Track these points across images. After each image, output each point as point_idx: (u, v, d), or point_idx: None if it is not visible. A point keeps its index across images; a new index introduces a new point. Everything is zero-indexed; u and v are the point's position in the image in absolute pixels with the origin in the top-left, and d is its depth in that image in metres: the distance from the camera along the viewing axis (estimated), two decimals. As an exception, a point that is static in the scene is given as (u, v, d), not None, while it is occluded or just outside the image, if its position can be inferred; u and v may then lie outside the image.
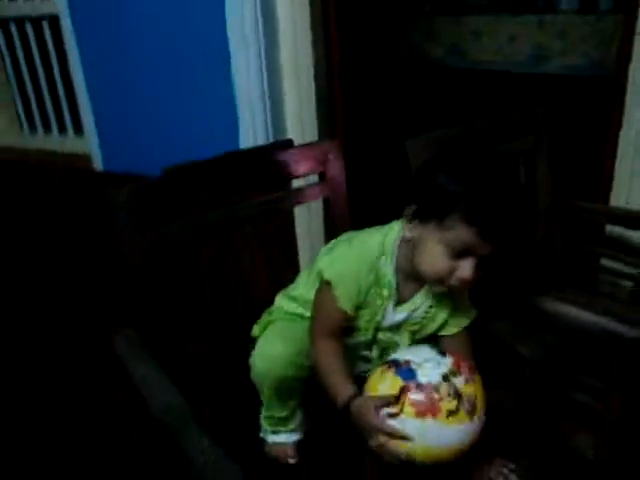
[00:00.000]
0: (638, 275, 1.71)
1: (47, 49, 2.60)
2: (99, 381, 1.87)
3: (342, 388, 1.00)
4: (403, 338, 1.11)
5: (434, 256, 0.96)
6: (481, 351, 1.11)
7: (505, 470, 1.04)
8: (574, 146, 3.02)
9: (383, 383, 0.95)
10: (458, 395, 0.91)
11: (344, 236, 1.10)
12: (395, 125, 3.70)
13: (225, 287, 1.24)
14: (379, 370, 0.99)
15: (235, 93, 2.01)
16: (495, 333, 1.11)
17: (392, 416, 0.92)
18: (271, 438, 1.16)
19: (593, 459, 1.07)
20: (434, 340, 1.10)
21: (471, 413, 0.92)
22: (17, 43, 2.70)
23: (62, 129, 2.81)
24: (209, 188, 1.19)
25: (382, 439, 0.93)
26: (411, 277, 1.05)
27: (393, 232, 1.05)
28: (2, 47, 2.79)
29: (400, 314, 1.08)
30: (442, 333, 1.11)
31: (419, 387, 0.91)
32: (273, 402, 1.11)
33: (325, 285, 1.04)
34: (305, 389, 1.13)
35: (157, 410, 0.88)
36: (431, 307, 1.09)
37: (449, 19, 4.96)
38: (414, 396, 0.91)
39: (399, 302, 1.07)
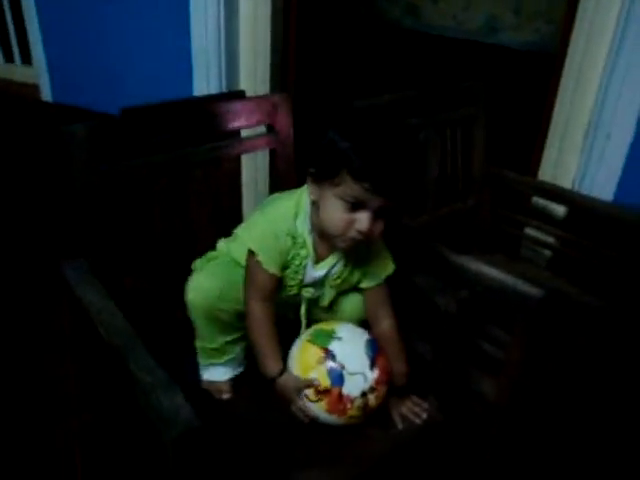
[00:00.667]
0: (556, 245, 1.86)
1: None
2: (46, 305, 1.89)
3: (271, 362, 1.11)
4: (327, 293, 1.20)
5: (332, 211, 1.03)
6: (404, 302, 1.22)
7: (417, 408, 1.18)
8: (513, 119, 3.16)
9: (314, 372, 1.07)
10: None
11: (260, 206, 1.17)
12: (347, 83, 3.76)
13: (171, 226, 1.30)
14: (315, 353, 1.09)
15: (191, 38, 2.02)
16: (418, 285, 1.22)
17: (307, 399, 1.08)
18: (206, 374, 1.23)
19: (494, 401, 1.20)
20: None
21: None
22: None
23: (9, 57, 2.73)
24: (163, 131, 1.23)
25: (294, 409, 1.10)
26: (325, 236, 1.11)
27: (305, 194, 1.12)
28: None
29: (319, 271, 1.16)
30: (362, 286, 1.21)
31: (340, 396, 1.06)
32: (204, 333, 1.19)
33: (250, 253, 1.12)
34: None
35: (105, 332, 0.95)
36: (347, 263, 1.17)
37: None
38: (333, 399, 1.06)
39: (317, 260, 1.16)
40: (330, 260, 1.16)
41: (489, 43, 4.68)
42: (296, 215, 1.12)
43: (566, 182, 1.86)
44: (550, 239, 1.86)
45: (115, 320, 0.97)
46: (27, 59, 2.64)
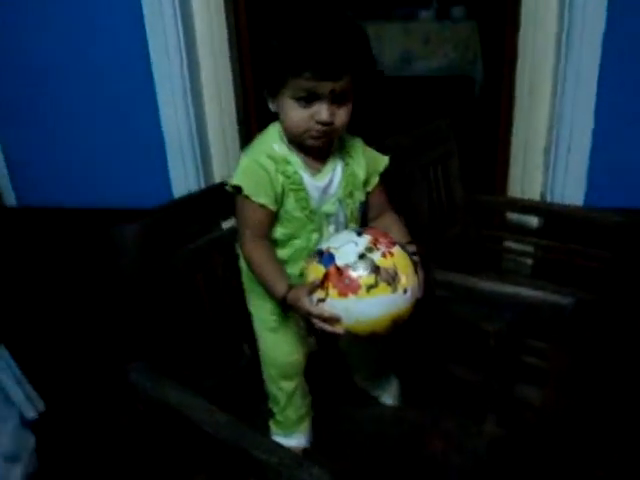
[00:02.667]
0: (535, 252, 2.01)
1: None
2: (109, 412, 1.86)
3: (278, 284, 1.10)
4: (345, 205, 1.19)
5: (290, 113, 1.07)
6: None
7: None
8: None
9: (311, 274, 1.06)
10: (376, 269, 1.00)
11: None
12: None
13: (222, 308, 1.35)
14: (307, 262, 1.10)
15: (162, 126, 2.08)
16: (459, 316, 1.32)
17: (321, 301, 1.02)
18: (283, 441, 1.25)
19: (544, 408, 1.31)
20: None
21: (392, 284, 1.00)
22: None
23: None
24: (197, 220, 1.30)
25: (318, 323, 1.03)
26: (297, 141, 1.12)
27: (273, 123, 1.17)
28: None
29: (320, 182, 1.15)
30: (368, 188, 1.24)
31: (338, 270, 1.01)
32: (292, 399, 1.25)
33: (238, 194, 1.12)
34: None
35: (209, 428, 0.98)
36: (346, 166, 1.19)
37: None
38: (334, 279, 1.01)
39: (315, 173, 1.16)
40: (328, 168, 1.17)
41: (406, 76, 4.93)
42: (274, 140, 1.14)
43: (534, 196, 2.04)
44: (528, 248, 2.02)
45: (214, 415, 1.01)
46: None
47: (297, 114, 1.07)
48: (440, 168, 1.85)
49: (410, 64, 4.88)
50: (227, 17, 2.03)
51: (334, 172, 1.18)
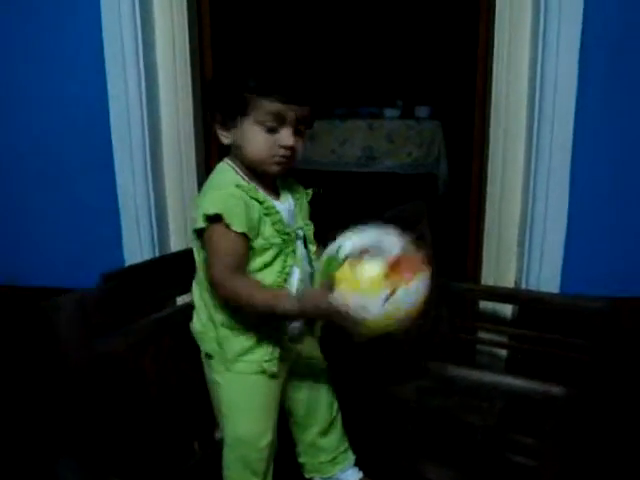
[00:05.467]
0: (510, 343, 1.91)
1: None
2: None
3: (282, 299, 1.09)
4: (307, 227, 1.24)
5: (254, 139, 1.10)
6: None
7: None
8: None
9: (367, 273, 1.00)
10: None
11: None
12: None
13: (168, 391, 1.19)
14: (347, 265, 1.03)
15: (119, 199, 1.97)
16: (441, 408, 1.19)
17: (392, 294, 1.00)
18: None
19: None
20: None
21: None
22: None
23: None
24: (145, 293, 1.16)
25: (341, 320, 1.02)
26: (257, 168, 1.15)
27: (221, 163, 1.18)
28: None
29: (286, 203, 1.20)
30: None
31: (398, 260, 1.02)
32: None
33: (212, 224, 1.08)
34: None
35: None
36: (293, 192, 1.24)
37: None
38: (405, 264, 1.03)
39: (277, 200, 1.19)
40: (283, 196, 1.21)
41: (369, 172, 4.98)
42: (231, 176, 1.15)
43: (509, 283, 1.96)
44: (502, 338, 1.91)
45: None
46: None
47: (262, 139, 1.10)
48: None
49: (374, 161, 4.95)
50: (193, 85, 1.94)
51: (288, 198, 1.22)
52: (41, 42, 1.92)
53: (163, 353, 1.20)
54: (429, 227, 1.81)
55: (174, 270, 1.23)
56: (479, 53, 1.95)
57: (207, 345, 1.20)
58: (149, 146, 1.92)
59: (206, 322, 1.19)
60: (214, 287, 1.12)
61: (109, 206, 1.99)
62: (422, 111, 4.85)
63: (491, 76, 1.88)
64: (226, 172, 1.16)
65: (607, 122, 1.75)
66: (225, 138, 1.14)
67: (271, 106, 1.07)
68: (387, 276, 1.00)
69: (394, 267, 1.01)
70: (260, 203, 1.13)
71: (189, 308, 1.21)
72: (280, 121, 1.09)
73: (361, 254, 1.02)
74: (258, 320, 1.15)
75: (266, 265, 1.15)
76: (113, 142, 1.93)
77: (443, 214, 3.35)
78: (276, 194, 1.21)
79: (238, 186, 1.11)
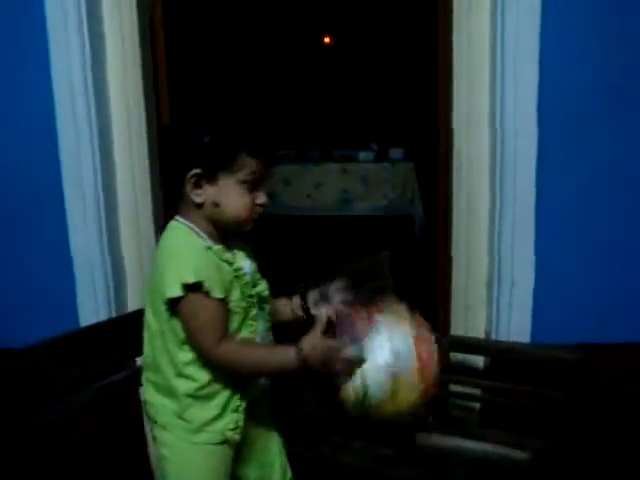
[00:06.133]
0: (483, 395, 1.84)
1: None
2: None
3: (281, 351, 1.07)
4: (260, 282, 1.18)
5: (235, 199, 1.09)
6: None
7: None
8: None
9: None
10: None
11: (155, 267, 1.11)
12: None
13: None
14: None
15: (72, 257, 1.89)
16: None
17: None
18: None
19: None
20: None
21: None
22: None
23: None
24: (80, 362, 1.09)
25: (343, 368, 1.05)
26: (228, 229, 1.13)
27: (176, 223, 1.12)
28: None
29: (246, 262, 1.16)
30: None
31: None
32: None
33: (191, 292, 1.03)
34: None
35: None
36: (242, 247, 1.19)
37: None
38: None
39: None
40: (238, 252, 1.16)
41: (344, 215, 4.95)
42: (192, 236, 1.10)
43: (478, 334, 1.90)
44: (474, 391, 1.85)
45: None
46: None
47: (244, 201, 1.09)
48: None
49: (349, 204, 4.93)
50: (148, 135, 1.91)
51: (244, 257, 1.17)
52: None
53: (99, 425, 1.11)
54: (391, 279, 1.76)
55: (120, 335, 1.15)
56: (439, 109, 1.95)
57: (162, 417, 1.12)
58: (103, 201, 1.85)
59: (163, 392, 1.11)
60: (208, 360, 1.08)
61: (63, 263, 1.91)
62: (396, 153, 4.87)
63: (452, 131, 1.87)
64: (185, 233, 1.10)
65: (569, 173, 1.73)
66: (197, 196, 1.08)
67: (257, 166, 1.08)
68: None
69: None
70: (230, 265, 1.09)
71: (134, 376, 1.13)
72: (261, 180, 1.10)
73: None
74: (226, 384, 1.11)
75: (234, 332, 1.10)
76: (66, 198, 1.85)
77: (419, 257, 3.31)
78: (231, 248, 1.16)
79: (209, 248, 1.08)
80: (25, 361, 1.00)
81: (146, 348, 1.13)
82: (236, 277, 1.10)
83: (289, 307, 1.25)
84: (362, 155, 4.93)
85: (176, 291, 1.03)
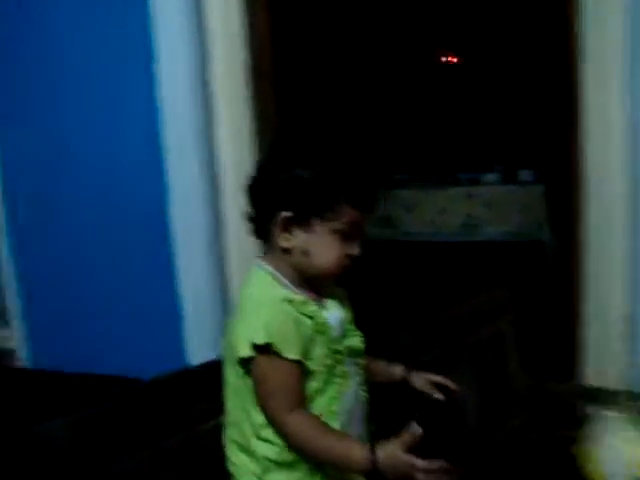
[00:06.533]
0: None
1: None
2: None
3: (354, 449, 0.91)
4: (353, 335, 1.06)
5: (327, 249, 0.97)
6: None
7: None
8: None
9: None
10: None
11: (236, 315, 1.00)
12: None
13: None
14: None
15: (178, 285, 1.89)
16: None
17: None
18: None
19: None
20: None
21: None
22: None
23: None
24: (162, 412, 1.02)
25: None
26: (305, 285, 1.01)
27: (258, 269, 1.01)
28: None
29: (336, 312, 1.03)
30: None
31: None
32: None
33: (261, 354, 0.93)
34: None
35: None
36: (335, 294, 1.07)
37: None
38: None
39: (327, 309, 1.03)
40: (330, 301, 1.04)
41: (469, 241, 4.72)
42: (273, 285, 0.99)
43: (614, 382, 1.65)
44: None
45: None
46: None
47: (337, 251, 0.98)
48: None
49: (474, 229, 4.69)
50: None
51: (335, 304, 1.05)
52: (99, 129, 1.92)
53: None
54: (511, 320, 1.56)
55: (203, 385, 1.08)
56: (572, 128, 1.74)
57: (242, 477, 1.02)
58: (214, 243, 1.84)
59: (245, 452, 1.01)
60: (274, 427, 0.97)
61: (171, 303, 1.92)
62: (526, 175, 4.57)
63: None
64: (267, 283, 1.00)
65: None
66: (286, 241, 0.98)
67: (355, 215, 0.97)
68: None
69: None
70: (311, 319, 0.97)
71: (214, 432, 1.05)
72: (356, 231, 0.99)
73: None
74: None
75: (317, 392, 0.98)
76: (172, 227, 1.85)
77: (550, 286, 3.03)
78: (321, 302, 1.04)
79: (288, 301, 0.96)
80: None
81: (227, 404, 1.03)
82: (319, 332, 0.98)
83: (387, 374, 1.15)
84: (488, 178, 4.68)
85: (246, 351, 0.93)
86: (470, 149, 5.21)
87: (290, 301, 0.96)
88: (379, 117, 5.33)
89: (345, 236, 0.98)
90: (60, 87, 1.97)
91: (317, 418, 0.96)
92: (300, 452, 0.95)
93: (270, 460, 0.97)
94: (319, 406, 0.98)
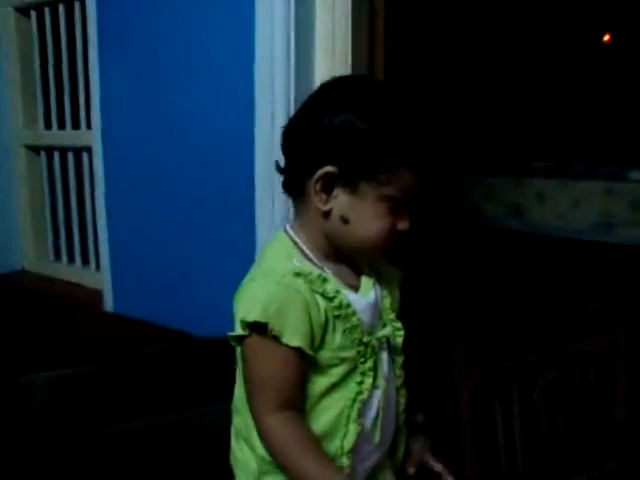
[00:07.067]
0: None
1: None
2: None
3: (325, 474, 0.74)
4: (393, 327, 0.88)
5: (374, 218, 0.80)
6: None
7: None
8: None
9: None
10: None
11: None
12: (448, 290, 3.37)
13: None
14: None
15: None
16: None
17: None
18: None
19: None
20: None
21: None
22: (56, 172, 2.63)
23: (85, 261, 2.67)
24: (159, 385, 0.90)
25: None
26: (338, 259, 0.85)
27: (281, 234, 0.86)
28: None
29: (368, 296, 0.85)
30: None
31: None
32: None
33: (252, 335, 0.77)
34: None
35: None
36: (380, 274, 0.90)
37: (510, 180, 4.80)
38: None
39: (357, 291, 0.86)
40: (367, 280, 0.87)
41: (601, 241, 4.26)
42: (289, 255, 0.82)
43: None
44: None
45: None
46: (87, 260, 2.57)
47: (384, 222, 0.81)
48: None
49: (611, 230, 4.22)
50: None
51: (372, 285, 0.88)
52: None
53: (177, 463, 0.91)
54: (625, 337, 1.29)
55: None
56: None
57: (241, 476, 0.87)
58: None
59: (247, 444, 0.85)
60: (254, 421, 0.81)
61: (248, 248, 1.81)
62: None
63: None
64: (284, 251, 0.84)
65: None
66: (323, 202, 0.81)
67: (412, 182, 0.80)
68: None
69: None
70: (329, 300, 0.80)
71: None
72: (406, 200, 0.82)
73: None
74: None
75: (333, 387, 0.81)
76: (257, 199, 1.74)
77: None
78: (356, 280, 0.87)
79: (298, 275, 0.79)
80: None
81: (235, 387, 0.88)
82: (337, 317, 0.80)
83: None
84: (634, 174, 4.16)
85: (238, 329, 0.77)
86: (618, 141, 4.68)
87: (304, 275, 0.79)
88: (525, 100, 4.95)
89: (396, 206, 0.81)
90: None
91: (303, 429, 0.78)
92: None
93: (265, 460, 0.81)
94: (330, 408, 0.81)
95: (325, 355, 0.79)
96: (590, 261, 3.99)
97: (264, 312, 0.75)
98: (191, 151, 1.95)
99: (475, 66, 4.98)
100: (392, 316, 0.89)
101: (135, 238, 2.19)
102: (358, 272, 0.88)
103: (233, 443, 0.88)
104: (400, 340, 0.89)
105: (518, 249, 4.28)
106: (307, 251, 0.84)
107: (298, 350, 0.76)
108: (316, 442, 0.78)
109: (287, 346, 0.75)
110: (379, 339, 0.85)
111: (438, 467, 0.93)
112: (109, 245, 2.27)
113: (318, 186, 0.80)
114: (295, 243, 0.84)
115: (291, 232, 0.86)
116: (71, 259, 2.72)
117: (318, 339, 0.78)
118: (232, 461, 0.88)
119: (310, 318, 0.77)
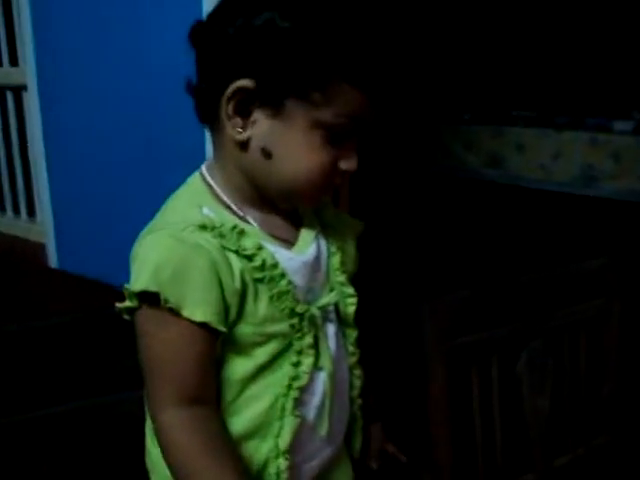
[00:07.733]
0: None
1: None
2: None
3: None
4: (341, 290, 0.71)
5: (306, 151, 0.61)
6: None
7: None
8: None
9: None
10: None
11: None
12: (417, 245, 3.21)
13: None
14: None
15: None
16: None
17: None
18: None
19: None
20: None
21: None
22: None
23: (17, 211, 2.48)
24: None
25: None
26: (266, 204, 0.66)
27: (195, 176, 0.67)
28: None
29: (305, 254, 0.67)
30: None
31: None
32: None
33: (143, 308, 0.59)
34: None
35: None
36: (326, 230, 0.72)
37: (490, 128, 4.63)
38: None
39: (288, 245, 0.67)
40: (307, 234, 0.69)
41: (583, 195, 4.13)
42: (201, 200, 0.64)
43: None
44: None
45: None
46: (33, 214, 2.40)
47: (322, 155, 0.62)
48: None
49: (594, 183, 4.09)
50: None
51: (318, 239, 0.70)
52: None
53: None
54: (619, 299, 1.13)
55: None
56: None
57: (155, 476, 0.70)
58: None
59: (156, 451, 0.66)
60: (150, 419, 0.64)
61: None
62: (666, 126, 3.87)
63: None
64: (194, 197, 0.65)
65: None
66: (237, 131, 0.62)
67: (355, 102, 0.61)
68: None
69: None
70: (247, 259, 0.61)
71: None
72: (353, 127, 0.62)
73: None
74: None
75: (260, 372, 0.64)
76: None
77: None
78: (292, 233, 0.69)
79: (204, 227, 0.61)
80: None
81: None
82: (259, 280, 0.62)
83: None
84: (619, 125, 4.00)
85: (126, 299, 0.59)
86: (605, 90, 4.49)
87: (211, 227, 0.60)
88: (506, 43, 4.75)
89: (336, 137, 0.62)
90: None
91: (212, 433, 0.60)
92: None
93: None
94: (257, 399, 0.64)
95: (245, 331, 0.62)
96: (573, 215, 3.87)
97: (155, 278, 0.57)
98: (136, 92, 1.75)
99: (455, 7, 4.74)
100: (342, 279, 0.71)
101: (78, 187, 2.01)
102: (297, 223, 0.70)
103: (148, 440, 0.70)
104: (352, 309, 0.71)
105: (498, 202, 4.14)
106: (223, 196, 0.65)
107: (204, 326, 0.58)
108: (228, 453, 0.60)
109: (189, 321, 0.57)
110: (322, 308, 0.67)
111: (391, 448, 0.82)
112: (51, 196, 2.08)
113: (231, 107, 0.60)
114: (210, 186, 0.65)
115: (206, 173, 0.66)
116: (17, 211, 2.53)
117: (234, 310, 0.60)
118: (148, 464, 0.71)
119: (220, 283, 0.59)
